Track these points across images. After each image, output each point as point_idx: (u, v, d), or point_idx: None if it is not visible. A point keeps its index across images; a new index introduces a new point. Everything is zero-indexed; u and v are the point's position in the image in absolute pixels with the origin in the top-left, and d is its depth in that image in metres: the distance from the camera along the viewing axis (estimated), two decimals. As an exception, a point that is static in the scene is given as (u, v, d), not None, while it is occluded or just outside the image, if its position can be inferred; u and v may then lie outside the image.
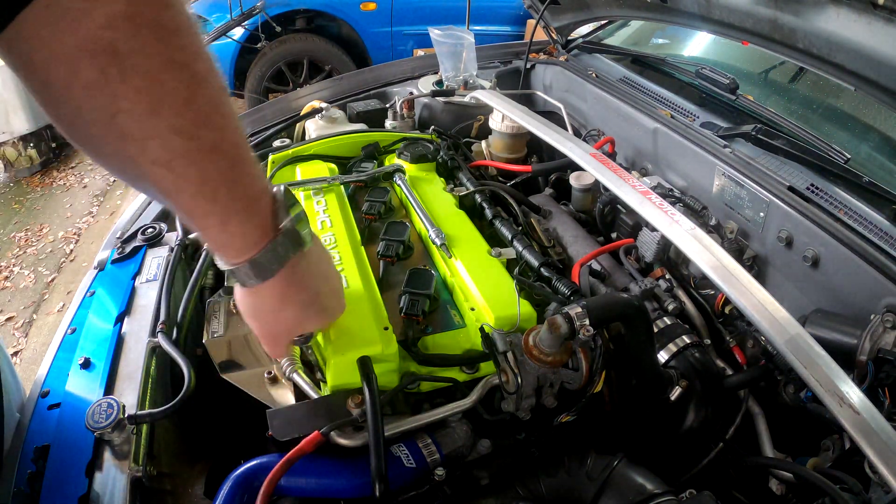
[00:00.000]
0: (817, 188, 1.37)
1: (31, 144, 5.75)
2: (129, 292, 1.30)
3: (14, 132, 5.53)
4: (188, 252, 1.48)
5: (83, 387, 1.08)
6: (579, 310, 0.96)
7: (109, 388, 1.08)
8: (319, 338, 1.09)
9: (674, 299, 1.34)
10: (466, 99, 2.10)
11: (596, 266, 1.44)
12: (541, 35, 2.44)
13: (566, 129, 1.94)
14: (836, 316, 1.14)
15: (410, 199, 1.52)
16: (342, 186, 1.61)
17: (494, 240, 1.44)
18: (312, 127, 2.00)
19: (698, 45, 2.53)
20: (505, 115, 1.84)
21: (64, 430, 1.01)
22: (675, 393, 1.12)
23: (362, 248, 1.35)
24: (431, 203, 1.52)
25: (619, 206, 1.65)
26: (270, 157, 1.73)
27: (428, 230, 1.38)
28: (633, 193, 1.31)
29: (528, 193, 1.82)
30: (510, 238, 1.42)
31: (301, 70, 5.13)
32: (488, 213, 1.54)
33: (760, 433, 1.20)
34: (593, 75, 2.14)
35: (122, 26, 0.53)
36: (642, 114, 1.82)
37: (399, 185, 1.61)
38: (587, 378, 1.04)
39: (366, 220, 1.48)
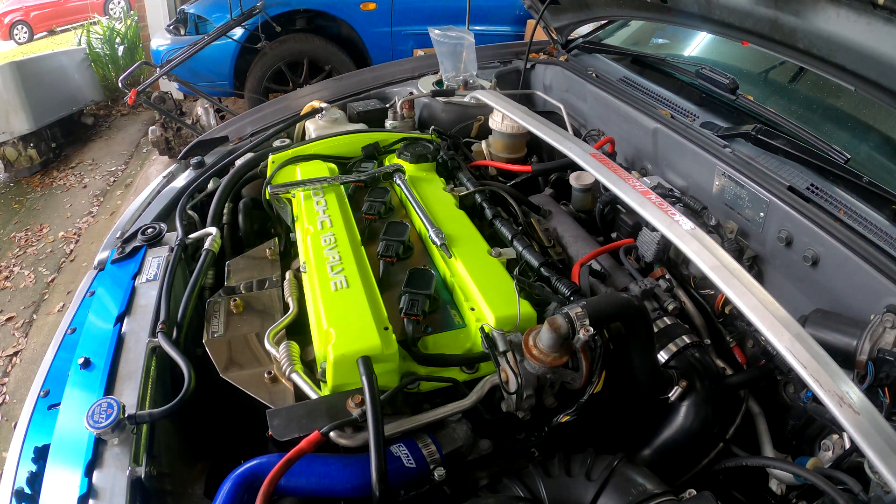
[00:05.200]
0: (817, 188, 1.37)
1: (31, 144, 5.75)
2: (129, 292, 1.30)
3: (14, 132, 5.54)
4: (188, 252, 1.48)
5: (83, 387, 1.08)
6: (579, 310, 0.96)
7: (109, 388, 1.08)
8: (320, 338, 1.09)
9: (674, 299, 1.34)
10: (466, 99, 2.09)
11: (596, 266, 1.44)
12: (541, 35, 2.44)
13: (566, 129, 1.94)
14: (836, 316, 1.14)
15: (410, 199, 1.52)
16: (342, 186, 1.61)
17: (494, 240, 1.44)
18: (312, 127, 2.00)
19: (698, 45, 2.52)
20: (505, 115, 1.83)
21: (64, 430, 1.01)
22: (675, 393, 1.12)
23: (362, 248, 1.35)
24: (431, 203, 1.52)
25: (619, 206, 1.65)
26: (270, 157, 1.73)
27: (428, 230, 1.38)
28: (633, 193, 1.31)
29: (528, 193, 1.82)
30: (510, 238, 1.42)
31: (301, 70, 5.13)
32: (488, 213, 1.53)
33: (760, 433, 1.20)
34: (593, 75, 2.14)
35: None
36: (642, 114, 1.82)
37: (399, 185, 1.61)
38: (587, 378, 1.04)
39: (366, 220, 1.48)
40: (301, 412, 0.98)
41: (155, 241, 1.47)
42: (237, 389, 1.10)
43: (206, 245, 1.43)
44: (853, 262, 1.19)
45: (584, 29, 2.47)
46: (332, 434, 0.92)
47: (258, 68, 5.01)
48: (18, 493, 0.93)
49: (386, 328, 1.09)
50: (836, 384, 0.87)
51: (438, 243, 1.32)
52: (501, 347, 1.03)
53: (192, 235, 1.49)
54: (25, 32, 12.51)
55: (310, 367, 1.12)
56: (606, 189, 1.47)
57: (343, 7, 5.14)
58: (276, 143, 1.90)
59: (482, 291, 1.18)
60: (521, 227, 1.47)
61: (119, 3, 12.14)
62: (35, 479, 0.94)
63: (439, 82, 2.30)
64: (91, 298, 1.33)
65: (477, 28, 3.87)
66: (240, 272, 1.38)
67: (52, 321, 3.80)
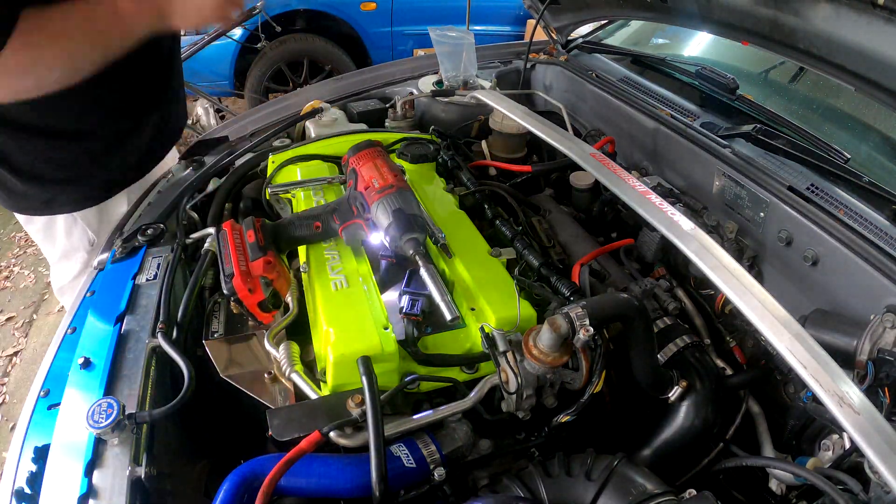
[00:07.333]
0: (817, 188, 1.37)
1: (31, 144, 5.74)
2: (129, 292, 1.30)
3: (14, 132, 5.52)
4: (188, 252, 1.48)
5: (83, 387, 1.08)
6: (579, 310, 0.96)
7: (109, 388, 1.08)
8: (320, 338, 1.10)
9: (674, 299, 1.34)
10: (466, 99, 2.09)
11: (596, 266, 1.44)
12: (541, 35, 2.44)
13: (566, 129, 1.94)
14: (836, 316, 1.14)
15: (410, 199, 1.52)
16: (342, 186, 1.61)
17: (494, 240, 1.44)
18: (312, 127, 2.00)
19: (698, 45, 2.52)
20: (505, 115, 1.84)
21: (64, 430, 1.01)
22: (675, 393, 1.12)
23: (362, 247, 1.35)
24: (431, 203, 1.52)
25: (619, 206, 1.65)
26: (270, 157, 1.73)
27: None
28: (633, 193, 1.31)
29: (528, 193, 1.82)
30: (510, 238, 1.42)
31: (301, 70, 5.13)
32: (488, 213, 1.53)
33: (760, 433, 1.20)
34: (593, 75, 2.14)
35: None
36: (642, 114, 1.82)
37: (399, 185, 1.61)
38: (587, 378, 1.04)
39: (366, 220, 1.48)
40: (301, 412, 0.98)
41: (155, 241, 1.47)
42: (237, 389, 1.10)
43: (206, 245, 1.43)
44: (853, 262, 1.20)
45: (584, 29, 2.47)
46: (332, 434, 0.92)
47: (258, 68, 5.01)
48: (18, 493, 0.93)
49: (386, 328, 1.09)
50: (836, 384, 0.87)
51: (438, 243, 1.32)
52: (501, 347, 1.03)
53: (193, 235, 1.49)
54: (25, 32, 12.48)
55: (310, 367, 1.12)
56: (606, 189, 1.48)
57: (343, 7, 5.15)
58: (276, 143, 1.90)
59: (482, 291, 1.18)
60: (521, 227, 1.47)
61: (119, 3, 12.12)
62: (35, 479, 0.94)
63: (439, 82, 2.30)
64: (91, 298, 1.33)
65: (477, 28, 3.88)
66: (240, 272, 1.38)
67: (52, 321, 3.80)
